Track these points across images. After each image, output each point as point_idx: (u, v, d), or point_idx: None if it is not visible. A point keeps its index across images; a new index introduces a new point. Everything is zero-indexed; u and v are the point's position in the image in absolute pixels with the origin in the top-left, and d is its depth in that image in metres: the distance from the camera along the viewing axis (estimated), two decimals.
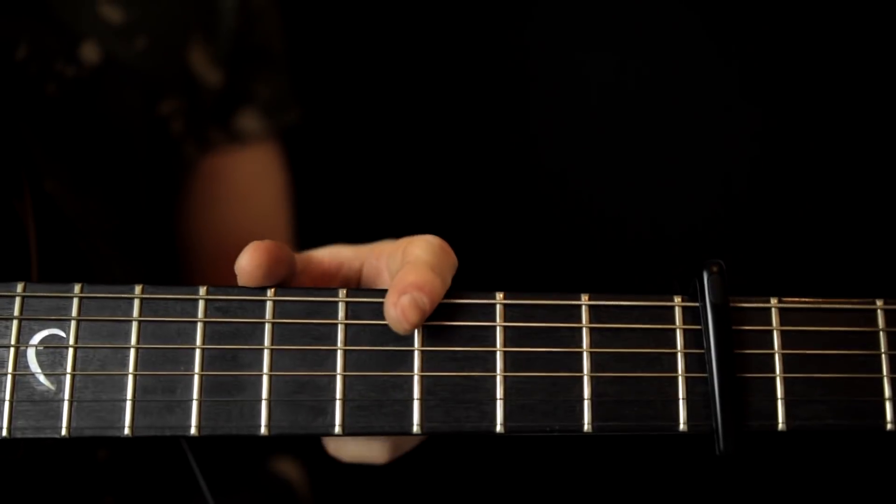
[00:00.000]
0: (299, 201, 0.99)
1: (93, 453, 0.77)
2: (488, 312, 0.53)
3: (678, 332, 0.53)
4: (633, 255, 1.00)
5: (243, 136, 0.92)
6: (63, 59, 0.74)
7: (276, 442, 1.03)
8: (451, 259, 0.56)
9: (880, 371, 0.53)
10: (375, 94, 1.16)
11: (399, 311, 0.51)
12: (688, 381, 0.53)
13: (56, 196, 0.73)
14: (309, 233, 1.01)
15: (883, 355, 0.53)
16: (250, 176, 0.95)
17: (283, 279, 0.56)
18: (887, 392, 0.53)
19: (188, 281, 0.90)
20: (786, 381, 0.53)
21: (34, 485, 0.71)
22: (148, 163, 0.83)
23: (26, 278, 0.55)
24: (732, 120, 1.09)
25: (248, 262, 0.53)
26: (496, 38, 1.15)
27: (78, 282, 0.53)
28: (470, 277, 0.60)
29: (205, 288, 0.53)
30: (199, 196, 0.93)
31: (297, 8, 1.08)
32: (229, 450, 0.95)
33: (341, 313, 0.53)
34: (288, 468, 0.99)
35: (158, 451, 0.84)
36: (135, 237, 0.82)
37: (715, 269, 0.53)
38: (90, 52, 0.76)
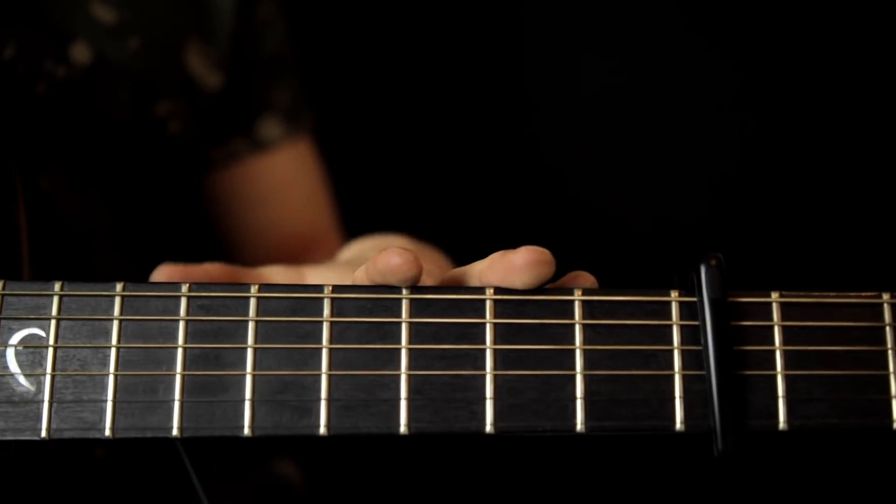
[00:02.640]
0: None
1: (90, 451, 0.76)
2: (478, 308, 0.51)
3: (675, 328, 0.51)
4: (631, 249, 0.99)
5: (267, 143, 0.94)
6: (53, 60, 0.74)
7: (276, 442, 1.03)
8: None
9: (886, 368, 0.51)
10: (380, 97, 1.16)
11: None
12: (685, 378, 0.51)
13: (51, 193, 0.72)
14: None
15: (889, 351, 0.51)
16: (281, 177, 0.96)
17: None
18: (894, 390, 0.51)
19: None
20: (787, 378, 0.51)
21: (29, 484, 0.70)
22: (143, 163, 0.83)
23: (17, 279, 0.54)
24: (731, 113, 1.08)
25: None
26: (496, 38, 1.14)
27: (63, 279, 0.52)
28: None
29: (187, 285, 0.52)
30: (231, 201, 0.95)
31: (304, 14, 1.08)
32: (229, 450, 0.94)
33: (326, 310, 0.51)
34: (288, 468, 0.99)
35: (157, 450, 0.83)
36: (133, 236, 0.82)
37: (713, 262, 0.51)
38: (81, 53, 0.75)
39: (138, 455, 0.82)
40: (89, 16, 0.76)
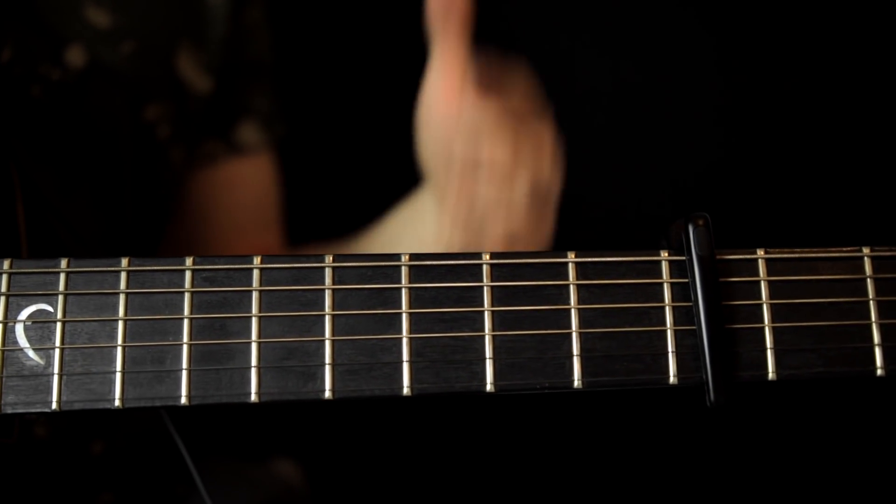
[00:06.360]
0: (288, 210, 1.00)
1: (87, 447, 0.76)
2: (475, 272, 0.53)
3: (665, 286, 0.53)
4: (620, 215, 1.01)
5: (243, 147, 0.93)
6: (48, 63, 0.75)
7: (276, 441, 1.03)
8: None
9: (869, 318, 0.53)
10: (361, 98, 1.17)
11: None
12: (677, 334, 0.53)
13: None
14: (299, 236, 1.02)
15: (871, 302, 0.53)
16: (250, 184, 0.96)
17: None
18: (876, 338, 0.53)
19: None
20: (775, 330, 0.53)
21: (29, 481, 0.71)
22: (133, 166, 0.84)
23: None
24: (714, 78, 1.10)
25: None
26: (485, 37, 1.16)
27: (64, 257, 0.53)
28: None
29: (191, 258, 0.53)
30: (196, 206, 0.94)
31: (287, 23, 1.09)
32: (229, 449, 0.95)
33: (328, 279, 0.53)
34: (288, 468, 0.99)
35: (155, 445, 0.84)
36: (120, 239, 0.82)
37: (700, 222, 0.53)
38: (76, 56, 0.76)
39: (136, 451, 0.83)
40: (84, 20, 0.77)
